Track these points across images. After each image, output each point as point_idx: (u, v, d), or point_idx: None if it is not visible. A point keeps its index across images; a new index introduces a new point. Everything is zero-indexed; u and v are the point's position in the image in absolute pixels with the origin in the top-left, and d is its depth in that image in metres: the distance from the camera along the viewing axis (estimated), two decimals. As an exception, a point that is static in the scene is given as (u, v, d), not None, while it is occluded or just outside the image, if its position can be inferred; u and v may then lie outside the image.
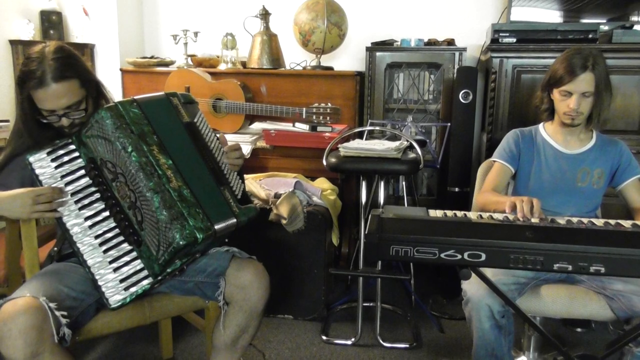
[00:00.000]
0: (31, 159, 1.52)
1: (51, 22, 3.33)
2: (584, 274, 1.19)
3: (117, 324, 1.55)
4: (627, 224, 1.36)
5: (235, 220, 1.51)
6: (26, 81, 1.45)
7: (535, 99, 1.93)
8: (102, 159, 1.50)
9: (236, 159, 1.64)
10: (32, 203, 1.44)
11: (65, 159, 1.54)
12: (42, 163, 1.52)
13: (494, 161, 1.93)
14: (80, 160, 1.54)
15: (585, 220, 1.42)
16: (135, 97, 1.54)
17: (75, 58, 1.52)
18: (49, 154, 1.53)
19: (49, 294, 1.37)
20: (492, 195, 1.80)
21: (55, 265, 1.58)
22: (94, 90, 1.58)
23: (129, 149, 1.43)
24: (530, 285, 1.68)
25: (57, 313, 1.34)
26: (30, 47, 1.51)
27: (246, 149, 2.75)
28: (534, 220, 1.44)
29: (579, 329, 2.44)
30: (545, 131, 1.91)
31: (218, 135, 1.67)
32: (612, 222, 1.39)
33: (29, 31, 3.24)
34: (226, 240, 1.69)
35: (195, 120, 1.61)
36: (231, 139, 2.52)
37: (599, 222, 1.40)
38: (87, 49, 3.39)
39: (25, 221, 1.64)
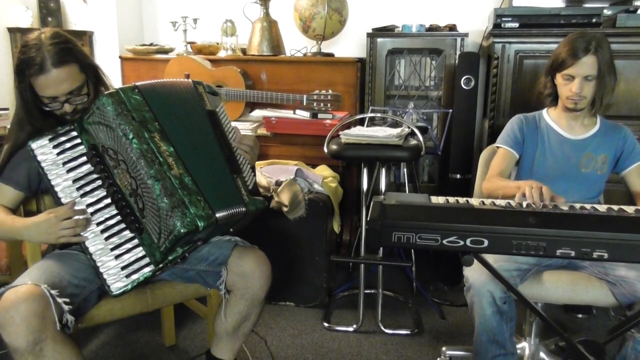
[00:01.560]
0: (33, 145, 1.51)
1: (49, 9, 3.31)
2: (587, 259, 1.19)
3: (119, 311, 1.55)
4: (630, 209, 1.35)
5: (244, 209, 1.52)
6: (25, 69, 1.43)
7: (539, 85, 1.92)
8: (104, 145, 1.49)
9: (247, 145, 1.65)
10: (56, 229, 1.42)
11: (67, 145, 1.52)
12: (44, 150, 1.51)
13: (498, 147, 1.92)
14: (82, 146, 1.53)
15: (588, 206, 1.41)
16: (142, 83, 1.53)
17: (73, 43, 1.50)
18: (50, 140, 1.52)
19: (51, 281, 1.37)
20: (499, 180, 1.79)
21: (57, 252, 1.58)
22: (93, 76, 1.57)
23: (130, 136, 1.43)
24: (532, 271, 1.68)
25: (59, 300, 1.34)
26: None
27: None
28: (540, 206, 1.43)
29: (580, 315, 2.43)
30: (549, 116, 1.90)
31: None
32: (615, 207, 1.38)
33: (27, 18, 3.22)
34: (231, 230, 1.69)
35: (217, 110, 1.63)
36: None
37: (602, 207, 1.39)
38: (85, 37, 3.36)
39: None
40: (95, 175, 1.52)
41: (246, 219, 1.60)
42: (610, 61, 1.73)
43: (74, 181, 1.51)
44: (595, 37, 1.72)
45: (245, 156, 1.64)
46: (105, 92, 1.50)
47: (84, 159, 1.52)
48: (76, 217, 1.45)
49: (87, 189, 1.51)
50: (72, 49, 1.48)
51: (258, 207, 1.57)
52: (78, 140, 1.53)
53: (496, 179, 1.81)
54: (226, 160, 1.56)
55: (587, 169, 1.82)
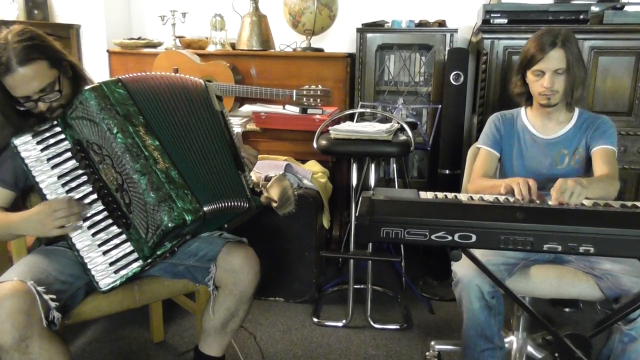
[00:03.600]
0: (16, 141, 1.49)
1: (35, 1, 3.25)
2: (573, 254, 1.20)
3: (106, 307, 1.54)
4: (615, 204, 1.36)
5: (247, 204, 1.54)
6: None
7: (510, 85, 1.93)
8: (88, 140, 1.47)
9: (252, 156, 1.69)
10: (50, 220, 1.40)
11: (51, 141, 1.51)
12: (27, 146, 1.49)
13: (479, 148, 1.94)
14: (66, 142, 1.51)
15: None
16: (127, 76, 1.52)
17: (40, 39, 1.45)
18: (34, 136, 1.50)
19: (37, 277, 1.36)
20: (484, 181, 1.81)
21: (44, 248, 1.57)
22: (69, 70, 1.53)
23: (114, 130, 1.41)
24: (519, 265, 1.69)
25: (46, 297, 1.33)
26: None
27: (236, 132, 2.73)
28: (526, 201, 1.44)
29: (567, 309, 2.47)
30: (526, 116, 1.91)
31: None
32: (601, 202, 1.40)
33: (12, 11, 3.17)
34: (225, 225, 1.69)
35: (223, 110, 1.65)
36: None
37: (588, 202, 1.40)
38: (72, 30, 3.32)
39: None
40: (80, 171, 1.50)
41: (245, 216, 1.62)
42: (579, 54, 1.74)
43: (59, 177, 1.49)
44: (562, 31, 1.73)
45: (249, 165, 1.67)
46: (88, 87, 1.47)
47: (69, 154, 1.51)
48: (70, 207, 1.42)
49: (73, 185, 1.50)
50: (39, 45, 1.43)
51: (258, 205, 1.59)
52: (62, 136, 1.51)
53: (480, 180, 1.82)
54: (233, 157, 1.58)
55: (562, 166, 1.83)
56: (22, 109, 1.48)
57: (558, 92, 1.76)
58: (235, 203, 1.51)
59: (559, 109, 1.83)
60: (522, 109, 1.94)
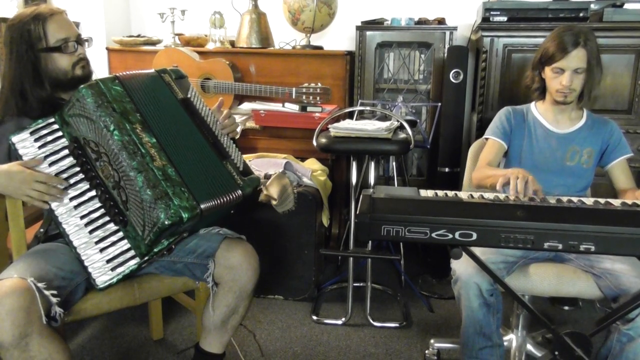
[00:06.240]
0: (14, 139, 1.49)
1: (34, -1, 3.25)
2: (574, 252, 1.20)
3: (106, 305, 1.53)
4: (616, 202, 1.36)
5: (241, 192, 1.51)
6: (37, 22, 1.54)
7: (525, 79, 1.94)
8: (85, 138, 1.47)
9: (231, 125, 1.67)
10: (27, 187, 1.41)
11: (49, 138, 1.50)
12: (25, 143, 1.49)
13: (487, 138, 1.94)
14: (63, 139, 1.51)
15: (575, 199, 1.42)
16: (119, 74, 1.51)
17: None
18: (32, 133, 1.49)
19: (37, 274, 1.36)
20: (487, 169, 1.81)
21: (43, 245, 1.56)
22: None
23: (111, 128, 1.40)
24: (518, 264, 1.69)
25: (47, 292, 1.32)
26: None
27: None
28: (526, 198, 1.44)
29: (566, 308, 2.46)
30: (537, 110, 1.92)
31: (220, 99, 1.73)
32: (602, 201, 1.40)
33: (11, 8, 3.15)
34: (232, 212, 1.68)
35: (189, 95, 1.60)
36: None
37: (589, 201, 1.40)
38: (71, 27, 3.31)
39: (11, 201, 1.62)
40: (77, 169, 1.50)
41: (245, 200, 1.60)
42: (598, 54, 1.75)
43: (56, 175, 1.49)
44: (583, 30, 1.74)
45: (232, 134, 1.64)
46: (85, 84, 1.48)
47: (66, 152, 1.50)
48: (51, 185, 1.45)
49: (70, 182, 1.49)
50: None
51: (254, 186, 1.56)
52: (59, 133, 1.51)
53: (485, 169, 1.82)
54: (212, 148, 1.55)
55: (572, 162, 1.84)
56: (62, 54, 1.57)
57: (575, 90, 1.77)
58: (230, 197, 1.49)
59: (572, 105, 1.84)
60: (532, 104, 1.95)
